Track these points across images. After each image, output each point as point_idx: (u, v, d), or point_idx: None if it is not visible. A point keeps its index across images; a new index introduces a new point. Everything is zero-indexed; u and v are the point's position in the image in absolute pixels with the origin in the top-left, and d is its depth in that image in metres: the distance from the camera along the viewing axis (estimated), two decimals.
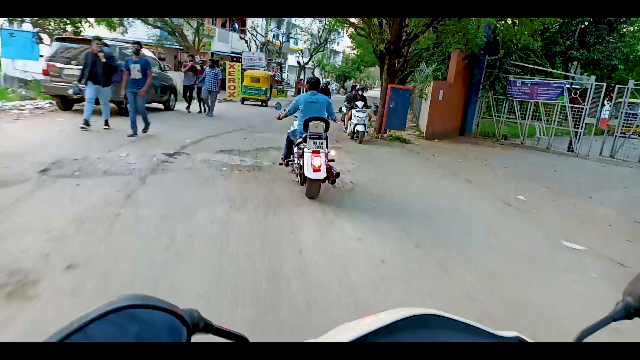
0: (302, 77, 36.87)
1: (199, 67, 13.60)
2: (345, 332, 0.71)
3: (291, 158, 5.62)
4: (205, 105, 12.90)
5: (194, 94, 13.56)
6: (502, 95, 12.90)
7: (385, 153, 9.40)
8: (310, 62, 41.50)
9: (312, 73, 46.78)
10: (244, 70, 20.44)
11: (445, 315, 0.74)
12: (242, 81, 19.39)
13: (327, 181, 4.96)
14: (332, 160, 5.10)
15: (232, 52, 28.59)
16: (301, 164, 4.93)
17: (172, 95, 13.07)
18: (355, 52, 39.68)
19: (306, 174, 4.69)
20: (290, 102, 5.93)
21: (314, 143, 4.80)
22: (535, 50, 13.47)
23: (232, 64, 20.62)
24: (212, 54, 26.18)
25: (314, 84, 5.54)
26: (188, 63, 13.84)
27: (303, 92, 29.38)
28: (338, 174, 5.06)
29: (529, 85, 12.39)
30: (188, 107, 13.24)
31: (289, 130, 5.78)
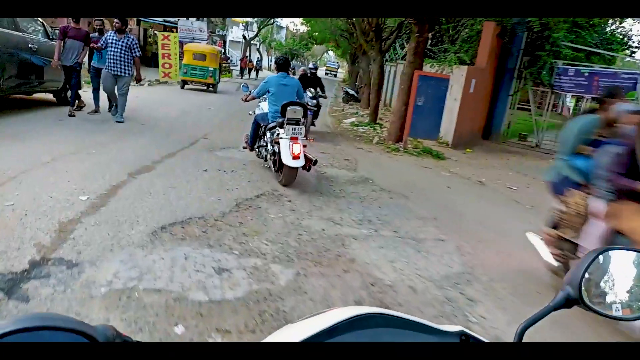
0: (247, 54, 31.91)
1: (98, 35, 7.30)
2: (290, 334, 0.68)
3: (262, 143, 5.18)
4: (112, 101, 7.19)
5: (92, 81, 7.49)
6: (545, 87, 9.66)
7: (443, 189, 5.69)
8: (256, 38, 36.53)
9: (258, 50, 41.76)
10: (181, 43, 15.61)
11: (390, 314, 0.72)
12: (182, 58, 14.63)
13: (304, 169, 4.51)
14: (305, 146, 4.53)
15: (165, 21, 23.09)
16: (277, 150, 4.55)
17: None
18: (302, 27, 35.32)
19: (284, 161, 4.33)
20: (241, 84, 6.01)
21: (292, 129, 4.46)
22: (585, 27, 10.31)
23: (166, 34, 15.67)
24: (139, 21, 20.74)
25: (283, 65, 5.07)
26: (70, 25, 6.80)
27: (247, 71, 25.12)
28: (315, 161, 4.60)
29: (587, 75, 9.21)
30: (73, 105, 6.98)
31: (254, 113, 5.44)
